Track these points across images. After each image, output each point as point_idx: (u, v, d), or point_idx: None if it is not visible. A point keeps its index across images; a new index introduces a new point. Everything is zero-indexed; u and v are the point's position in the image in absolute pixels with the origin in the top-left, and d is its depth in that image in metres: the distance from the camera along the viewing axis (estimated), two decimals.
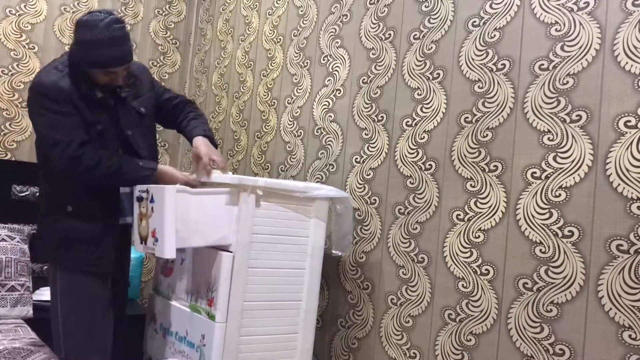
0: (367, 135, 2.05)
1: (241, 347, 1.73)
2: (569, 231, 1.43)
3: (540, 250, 1.49)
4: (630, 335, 1.30)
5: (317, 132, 2.27)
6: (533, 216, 1.51)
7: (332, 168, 2.18)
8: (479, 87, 1.69)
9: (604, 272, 1.35)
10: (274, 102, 2.54)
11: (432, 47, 1.86)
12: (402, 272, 1.85)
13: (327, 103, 2.24)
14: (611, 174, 1.37)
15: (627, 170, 1.34)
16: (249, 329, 1.75)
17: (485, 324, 1.59)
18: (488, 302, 1.59)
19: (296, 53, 2.45)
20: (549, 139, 1.50)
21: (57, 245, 1.81)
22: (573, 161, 1.44)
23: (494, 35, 1.67)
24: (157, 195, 1.66)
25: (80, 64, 1.73)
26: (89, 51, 1.70)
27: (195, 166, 1.90)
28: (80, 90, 1.74)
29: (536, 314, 1.48)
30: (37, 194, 1.95)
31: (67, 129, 1.71)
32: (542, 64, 1.54)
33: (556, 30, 1.52)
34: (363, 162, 2.05)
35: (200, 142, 1.90)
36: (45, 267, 2.71)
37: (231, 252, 1.71)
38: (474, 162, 1.68)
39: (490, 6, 1.69)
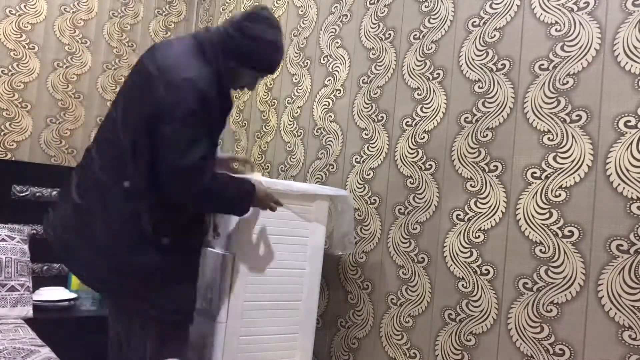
0: (367, 135, 2.05)
1: (241, 347, 1.73)
2: (569, 231, 1.43)
3: (540, 250, 1.49)
4: (630, 335, 1.30)
5: (317, 132, 2.27)
6: (533, 216, 1.51)
7: (332, 168, 2.18)
8: (479, 87, 1.69)
9: (604, 272, 1.35)
10: (274, 102, 2.54)
11: (432, 47, 1.86)
12: (402, 272, 1.85)
13: (327, 103, 2.24)
14: (611, 174, 1.37)
15: (627, 170, 1.34)
16: (249, 329, 1.74)
17: (485, 324, 1.59)
18: (488, 302, 1.59)
19: (296, 53, 2.45)
20: (549, 139, 1.50)
21: (137, 284, 1.47)
22: (573, 161, 1.44)
23: (494, 35, 1.67)
24: None
25: (247, 60, 1.50)
26: (266, 51, 1.49)
27: (243, 168, 1.78)
28: (224, 92, 1.51)
29: (536, 314, 1.48)
30: (105, 213, 1.45)
31: (206, 151, 1.42)
32: (542, 64, 1.54)
33: (556, 30, 1.52)
34: (363, 162, 2.05)
35: None
36: (45, 268, 2.71)
37: (231, 252, 1.71)
38: (474, 162, 1.68)
39: (490, 6, 1.69)
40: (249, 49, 1.49)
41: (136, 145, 1.42)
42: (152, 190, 1.43)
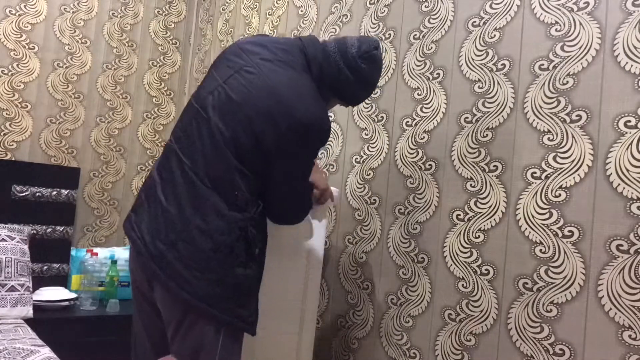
0: (367, 135, 2.05)
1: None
2: (569, 231, 1.43)
3: (540, 250, 1.49)
4: (630, 335, 1.30)
5: None
6: (533, 216, 1.51)
7: (332, 168, 2.18)
8: (479, 87, 1.69)
9: (604, 272, 1.35)
10: None
11: (432, 47, 1.86)
12: (402, 272, 1.85)
13: None
14: (611, 174, 1.37)
15: (627, 170, 1.34)
16: None
17: (485, 324, 1.59)
18: (488, 302, 1.59)
19: None
20: (549, 139, 1.50)
21: (233, 297, 1.38)
22: (573, 161, 1.44)
23: (494, 35, 1.67)
24: None
25: (349, 97, 1.57)
26: (368, 92, 1.57)
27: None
28: None
29: (536, 314, 1.48)
30: (200, 222, 1.34)
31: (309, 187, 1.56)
32: (542, 64, 1.54)
33: (556, 30, 1.52)
34: (363, 162, 2.05)
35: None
36: (45, 268, 2.71)
37: None
38: (474, 162, 1.68)
39: (490, 6, 1.69)
40: (357, 90, 1.53)
41: (245, 158, 1.36)
42: (257, 202, 1.40)
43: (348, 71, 1.47)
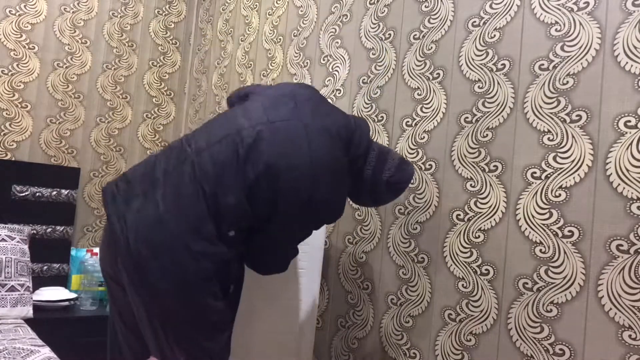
0: None
1: (241, 347, 1.73)
2: (569, 231, 1.43)
3: (540, 250, 1.49)
4: (630, 335, 1.30)
5: None
6: (533, 216, 1.51)
7: None
8: (479, 87, 1.69)
9: (604, 272, 1.35)
10: None
11: (432, 47, 1.86)
12: (402, 272, 1.85)
13: None
14: (611, 174, 1.37)
15: (627, 170, 1.34)
16: (249, 329, 1.74)
17: (485, 324, 1.59)
18: (488, 302, 1.59)
19: (296, 53, 2.45)
20: (549, 139, 1.50)
21: (199, 327, 1.41)
22: (573, 161, 1.44)
23: (494, 35, 1.67)
24: None
25: (352, 192, 1.60)
26: (368, 201, 1.69)
27: None
28: None
29: (536, 314, 1.48)
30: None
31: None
32: (542, 64, 1.54)
33: (556, 30, 1.52)
34: None
35: None
36: (45, 268, 2.71)
37: None
38: (474, 162, 1.68)
39: (490, 6, 1.69)
40: (362, 194, 1.58)
41: (253, 203, 1.34)
42: (245, 242, 1.42)
43: (369, 184, 1.53)
